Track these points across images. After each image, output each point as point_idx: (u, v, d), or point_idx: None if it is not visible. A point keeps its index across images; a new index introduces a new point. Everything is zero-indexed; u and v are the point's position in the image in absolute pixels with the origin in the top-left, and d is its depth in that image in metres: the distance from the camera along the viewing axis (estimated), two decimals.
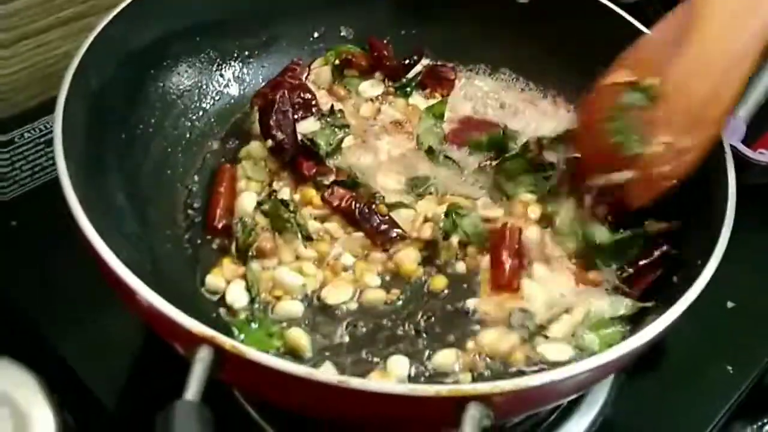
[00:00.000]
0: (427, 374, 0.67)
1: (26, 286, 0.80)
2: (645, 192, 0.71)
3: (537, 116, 0.90)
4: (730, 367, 0.81)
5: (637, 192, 0.71)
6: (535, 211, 0.79)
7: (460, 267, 0.76)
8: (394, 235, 0.76)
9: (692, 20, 0.67)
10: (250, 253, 0.74)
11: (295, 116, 0.82)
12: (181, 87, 0.86)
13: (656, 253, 0.73)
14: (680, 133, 0.67)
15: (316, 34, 0.94)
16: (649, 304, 0.70)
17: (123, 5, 0.77)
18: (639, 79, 0.69)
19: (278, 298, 0.72)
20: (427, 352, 0.69)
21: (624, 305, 0.71)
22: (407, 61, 0.92)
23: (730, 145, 0.74)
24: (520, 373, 0.66)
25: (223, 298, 0.72)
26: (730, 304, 0.85)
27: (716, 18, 0.67)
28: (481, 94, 0.93)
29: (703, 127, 0.68)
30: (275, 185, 0.81)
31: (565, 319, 0.71)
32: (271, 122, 0.81)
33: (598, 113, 0.72)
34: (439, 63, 0.94)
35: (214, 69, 0.89)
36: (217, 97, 0.89)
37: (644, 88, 0.69)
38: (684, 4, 0.72)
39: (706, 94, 0.67)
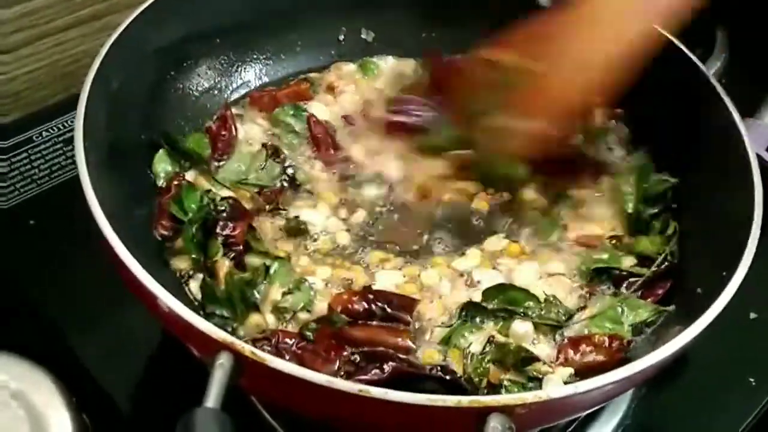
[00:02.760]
0: None
1: (44, 286, 0.80)
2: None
3: None
4: (752, 379, 0.79)
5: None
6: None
7: None
8: None
9: (577, 18, 0.69)
10: None
11: None
12: (200, 88, 0.85)
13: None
14: (548, 120, 0.68)
15: (336, 37, 0.94)
16: (669, 308, 0.69)
17: (144, 6, 0.76)
18: (520, 62, 0.69)
19: None
20: None
21: (646, 310, 0.70)
22: None
23: (756, 154, 0.73)
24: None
25: None
26: (752, 315, 0.84)
27: (599, 16, 0.69)
28: None
29: (571, 116, 0.71)
30: None
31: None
32: None
33: (470, 81, 0.73)
34: (447, 58, 0.90)
35: (234, 70, 0.89)
36: (236, 97, 0.89)
37: (522, 71, 0.69)
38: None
39: (581, 87, 0.69)
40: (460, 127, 0.73)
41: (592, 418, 0.76)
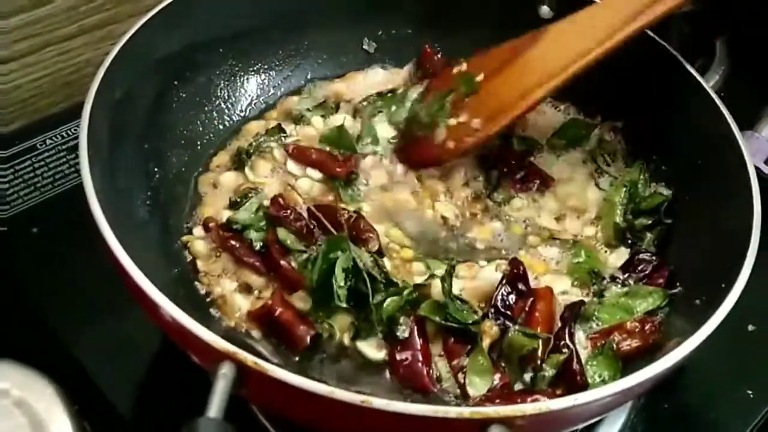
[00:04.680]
0: None
1: (46, 294, 0.80)
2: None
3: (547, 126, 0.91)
4: (750, 391, 0.79)
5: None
6: None
7: None
8: None
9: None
10: None
11: None
12: (203, 97, 0.86)
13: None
14: (477, 119, 0.83)
15: (338, 48, 0.94)
16: (676, 291, 0.73)
17: (148, 16, 0.77)
18: (469, 72, 0.86)
19: None
20: None
21: (656, 295, 0.73)
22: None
23: (755, 166, 0.73)
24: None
25: None
26: (750, 327, 0.84)
27: (543, 44, 0.81)
28: None
29: (494, 122, 0.82)
30: None
31: None
32: None
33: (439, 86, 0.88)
34: (450, 59, 0.92)
35: (237, 80, 0.89)
36: (238, 107, 0.89)
37: (469, 80, 0.85)
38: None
39: (506, 100, 0.82)
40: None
41: (591, 429, 0.76)
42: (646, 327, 0.71)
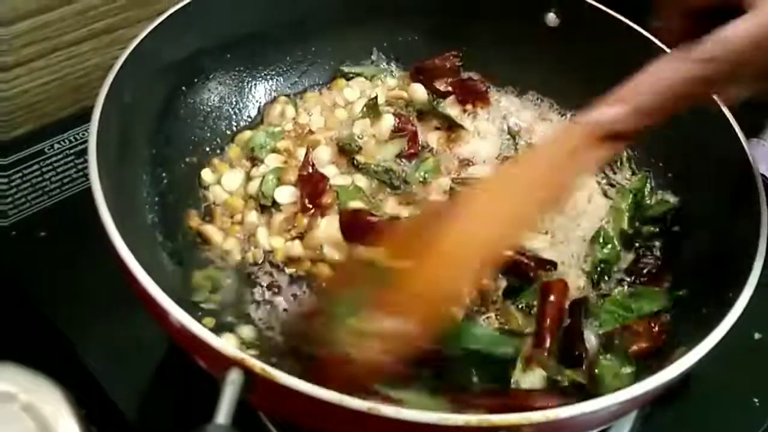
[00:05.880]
0: None
1: (54, 298, 0.80)
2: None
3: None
4: (756, 400, 0.79)
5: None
6: None
7: None
8: None
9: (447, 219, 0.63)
10: None
11: None
12: (211, 103, 0.86)
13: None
14: (409, 322, 0.60)
15: (344, 52, 0.95)
16: (682, 293, 0.74)
17: (158, 21, 0.77)
18: (388, 259, 0.62)
19: None
20: None
21: (662, 296, 0.74)
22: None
23: (761, 174, 0.73)
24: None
25: None
26: (756, 336, 0.84)
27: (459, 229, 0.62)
28: (505, 113, 0.94)
29: (434, 320, 0.62)
30: None
31: None
32: None
33: (342, 281, 0.67)
34: (465, 77, 0.94)
35: (245, 85, 0.90)
36: (245, 113, 0.90)
37: (387, 270, 0.62)
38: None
39: (447, 290, 0.63)
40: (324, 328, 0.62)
41: None
42: (654, 327, 0.72)
